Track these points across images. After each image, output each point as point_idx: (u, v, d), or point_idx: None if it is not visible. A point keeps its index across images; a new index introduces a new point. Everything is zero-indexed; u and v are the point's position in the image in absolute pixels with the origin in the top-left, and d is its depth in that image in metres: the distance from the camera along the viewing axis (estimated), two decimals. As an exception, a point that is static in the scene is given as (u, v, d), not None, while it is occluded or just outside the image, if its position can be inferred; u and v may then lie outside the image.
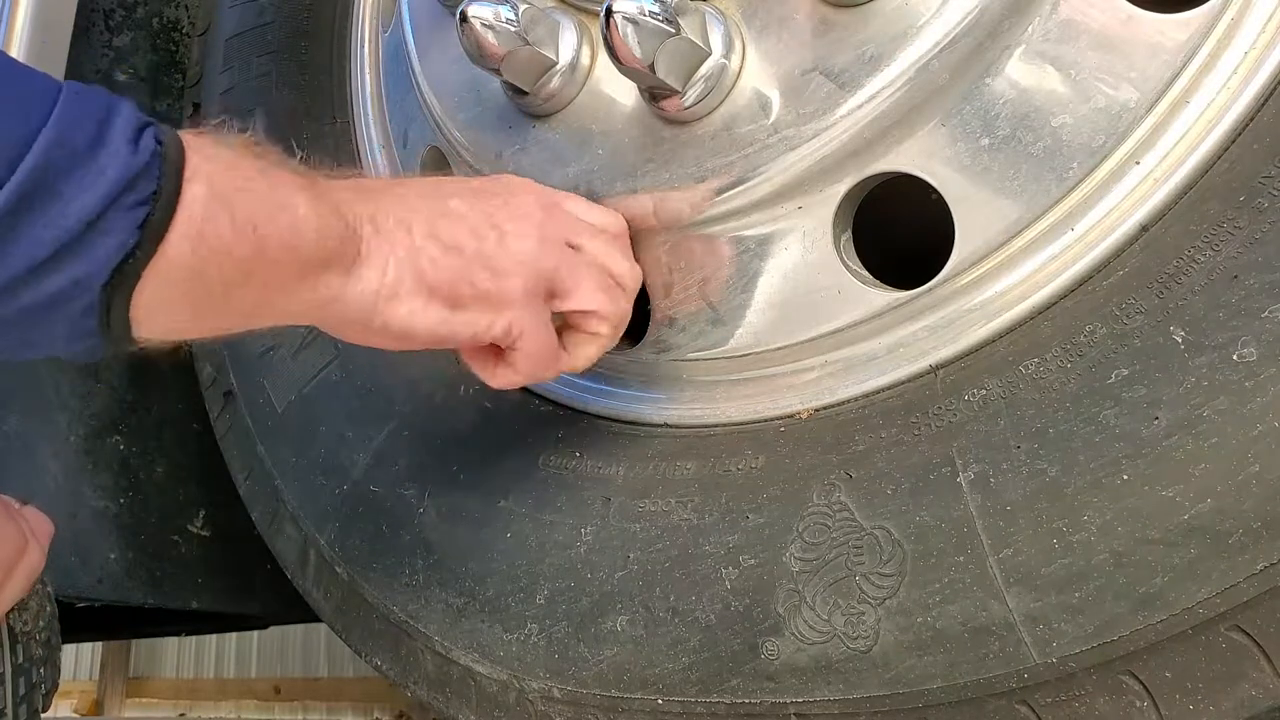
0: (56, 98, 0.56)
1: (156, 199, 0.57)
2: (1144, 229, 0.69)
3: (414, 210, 0.73)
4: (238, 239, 0.62)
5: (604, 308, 0.79)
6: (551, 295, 0.78)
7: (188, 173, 0.59)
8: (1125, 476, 0.63)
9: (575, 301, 0.78)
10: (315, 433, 1.09)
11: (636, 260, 0.86)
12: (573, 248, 0.78)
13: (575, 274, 0.78)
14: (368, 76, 1.21)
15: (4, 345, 0.59)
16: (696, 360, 0.88)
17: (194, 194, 0.59)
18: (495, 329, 0.75)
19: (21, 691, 0.85)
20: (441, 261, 0.72)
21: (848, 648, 0.69)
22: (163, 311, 0.61)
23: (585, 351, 0.82)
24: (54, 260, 0.55)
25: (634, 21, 0.75)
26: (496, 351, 0.79)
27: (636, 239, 0.86)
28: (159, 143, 0.58)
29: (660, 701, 0.77)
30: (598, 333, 0.81)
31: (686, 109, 0.81)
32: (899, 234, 0.90)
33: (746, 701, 0.73)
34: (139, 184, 0.57)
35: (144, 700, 3.44)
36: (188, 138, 0.61)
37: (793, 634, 0.72)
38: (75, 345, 0.60)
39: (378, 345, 0.75)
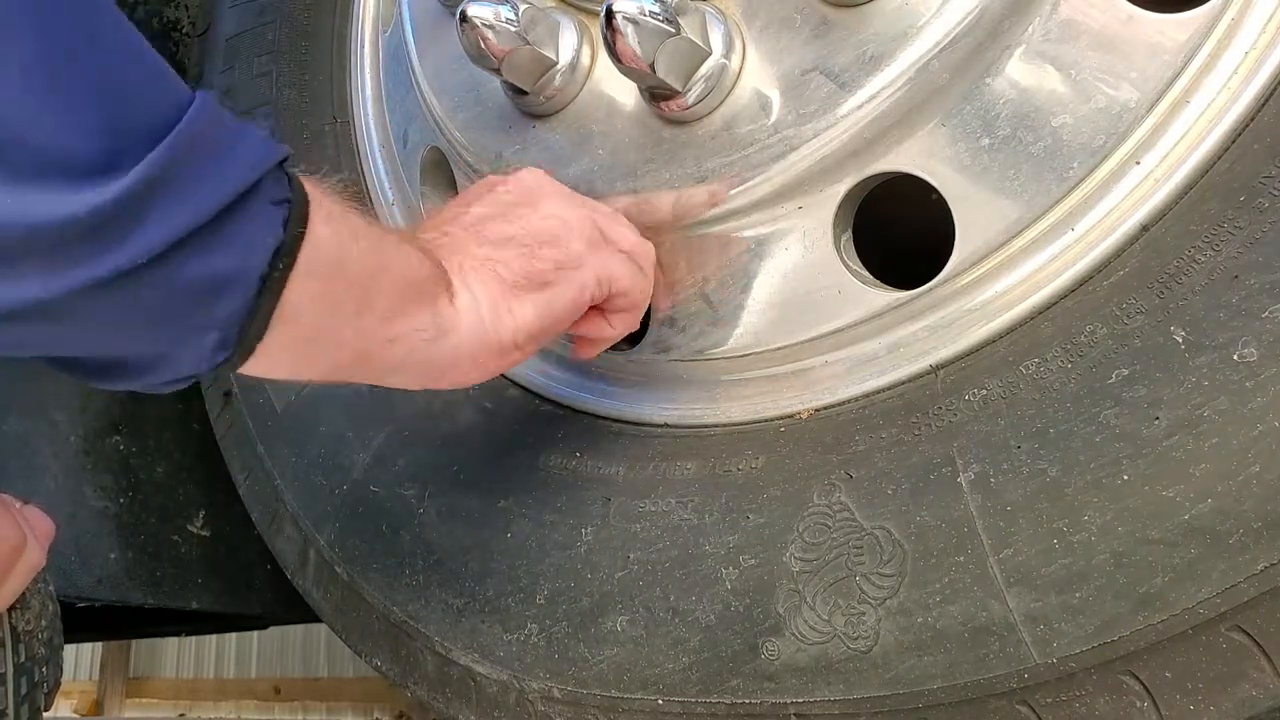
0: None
1: (291, 202, 0.59)
2: (1144, 229, 0.69)
3: (452, 234, 0.75)
4: (362, 254, 0.64)
5: (643, 249, 0.82)
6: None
7: (310, 194, 0.61)
8: (1125, 476, 0.63)
9: (624, 244, 0.80)
10: (315, 433, 1.09)
11: None
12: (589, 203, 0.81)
13: (613, 230, 0.80)
14: (368, 76, 1.21)
15: (134, 342, 0.57)
16: (696, 360, 0.88)
17: (320, 206, 0.61)
18: (589, 286, 0.77)
19: (24, 690, 0.85)
20: (505, 256, 0.74)
21: (848, 648, 0.69)
22: (296, 322, 0.61)
23: (625, 320, 0.84)
24: (204, 240, 0.54)
25: (634, 21, 0.75)
26: (598, 312, 0.82)
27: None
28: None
29: (660, 702, 0.77)
30: (637, 292, 0.82)
31: (687, 109, 0.81)
32: (899, 234, 0.90)
33: (746, 702, 0.73)
34: (271, 185, 0.58)
35: (144, 700, 3.44)
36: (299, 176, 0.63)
37: (793, 634, 0.72)
38: (201, 359, 0.59)
39: (502, 368, 0.77)
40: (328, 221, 0.61)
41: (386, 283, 0.66)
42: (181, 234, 0.53)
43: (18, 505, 0.82)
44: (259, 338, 0.59)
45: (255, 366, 0.62)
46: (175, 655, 3.44)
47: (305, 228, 0.59)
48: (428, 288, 0.70)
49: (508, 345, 0.74)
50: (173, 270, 0.54)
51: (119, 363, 0.59)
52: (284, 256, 0.58)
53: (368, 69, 1.21)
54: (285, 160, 0.60)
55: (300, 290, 0.59)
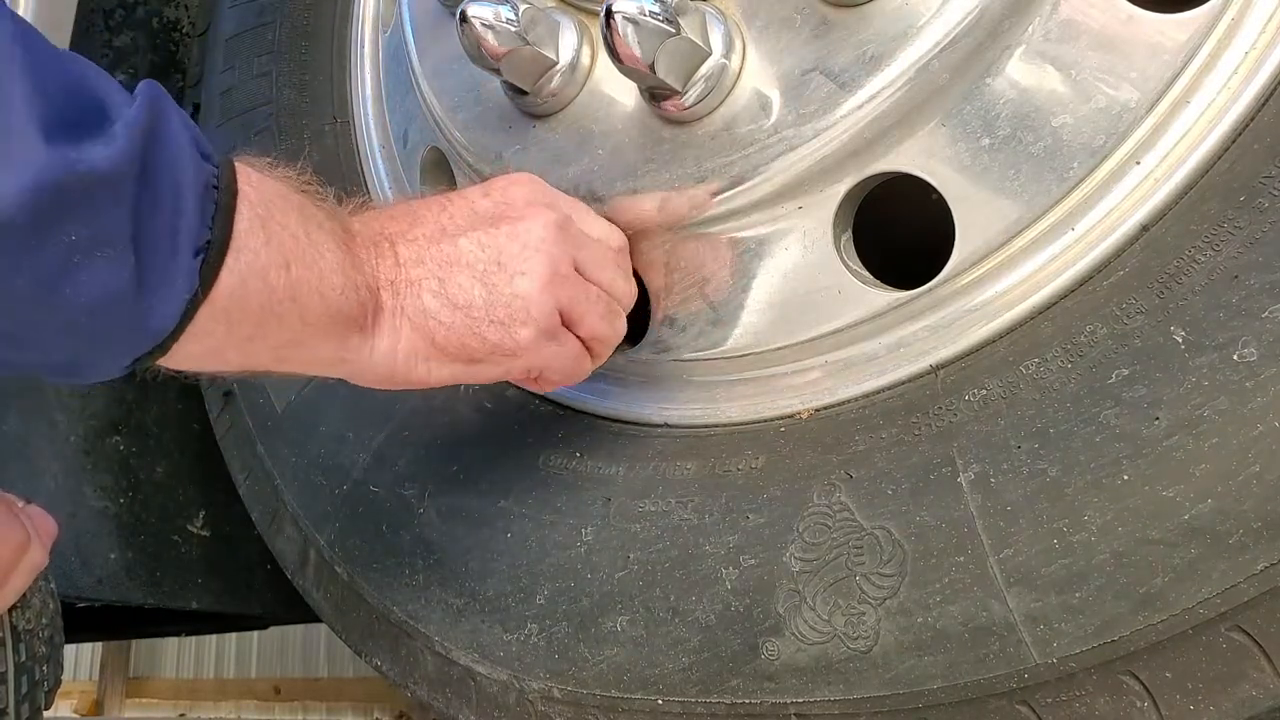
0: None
1: (210, 246, 0.60)
2: (1144, 229, 0.69)
3: (424, 263, 0.74)
4: (276, 270, 0.63)
5: (606, 334, 0.82)
6: (563, 321, 0.79)
7: (240, 194, 0.62)
8: (1126, 476, 0.63)
9: (582, 330, 0.80)
10: (315, 433, 1.09)
11: (636, 261, 0.87)
12: (579, 270, 0.79)
13: (582, 307, 0.79)
14: (368, 76, 1.21)
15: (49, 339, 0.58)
16: (696, 360, 0.88)
17: (244, 215, 0.62)
18: (514, 373, 0.79)
19: (24, 689, 0.85)
20: (450, 320, 0.74)
21: (848, 648, 0.69)
22: (206, 334, 0.62)
23: (548, 385, 0.85)
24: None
25: (634, 21, 0.75)
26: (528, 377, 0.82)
27: (637, 239, 0.86)
28: (215, 166, 0.61)
29: (660, 702, 0.77)
30: (598, 354, 0.83)
31: (687, 109, 0.81)
32: (899, 234, 0.90)
33: (747, 702, 0.73)
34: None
35: (144, 700, 3.44)
36: (240, 164, 0.63)
37: (793, 634, 0.72)
38: (120, 358, 0.60)
39: (398, 390, 0.78)
40: (251, 259, 0.62)
41: (293, 308, 0.65)
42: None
43: (20, 505, 0.82)
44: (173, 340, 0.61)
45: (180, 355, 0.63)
46: (175, 655, 3.44)
47: (215, 275, 0.60)
48: (341, 323, 0.69)
49: (413, 382, 0.76)
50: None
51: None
52: (194, 305, 0.59)
53: (368, 69, 1.21)
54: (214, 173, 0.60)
55: (205, 320, 0.61)
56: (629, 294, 0.84)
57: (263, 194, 0.64)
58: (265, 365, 0.69)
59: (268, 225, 0.63)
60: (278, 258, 0.63)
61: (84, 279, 0.54)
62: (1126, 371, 0.65)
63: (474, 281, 0.74)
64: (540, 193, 0.80)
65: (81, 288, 0.54)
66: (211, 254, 0.59)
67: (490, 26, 0.83)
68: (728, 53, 0.79)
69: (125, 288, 0.56)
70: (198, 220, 0.58)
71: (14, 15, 0.54)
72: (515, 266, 0.75)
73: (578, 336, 0.80)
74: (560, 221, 0.78)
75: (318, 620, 1.09)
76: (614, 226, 0.85)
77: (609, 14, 0.75)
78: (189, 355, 0.63)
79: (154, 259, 0.57)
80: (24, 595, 0.83)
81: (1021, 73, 0.73)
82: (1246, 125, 0.67)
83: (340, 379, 0.76)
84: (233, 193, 0.61)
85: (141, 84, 0.58)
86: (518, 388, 0.99)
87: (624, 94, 0.86)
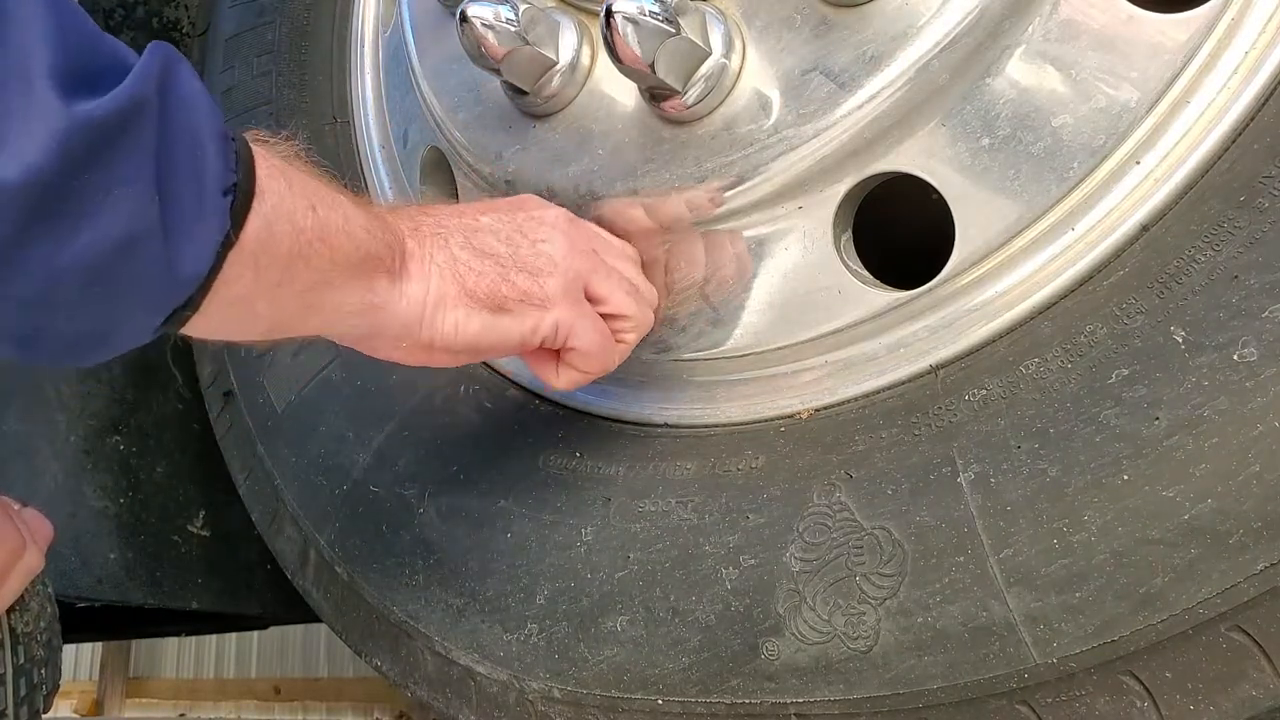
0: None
1: (237, 192, 0.59)
2: (1144, 229, 0.69)
3: (446, 226, 0.75)
4: (303, 212, 0.63)
5: (634, 312, 0.81)
6: (588, 297, 0.79)
7: (258, 158, 0.62)
8: (1126, 476, 0.63)
9: (609, 306, 0.79)
10: (315, 433, 1.09)
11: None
12: (599, 256, 0.80)
13: (608, 280, 0.79)
14: (368, 76, 1.21)
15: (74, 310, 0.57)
16: (696, 360, 0.88)
17: (263, 161, 0.61)
18: (543, 328, 0.76)
19: (23, 692, 0.85)
20: (480, 267, 0.74)
21: (848, 648, 0.69)
22: (236, 280, 0.61)
23: (571, 378, 0.83)
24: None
25: (634, 21, 0.75)
26: (554, 355, 0.81)
27: (637, 239, 0.86)
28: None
29: (660, 702, 0.77)
30: (624, 339, 0.82)
31: (687, 109, 0.81)
32: (899, 234, 0.90)
33: (747, 702, 0.73)
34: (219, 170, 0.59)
35: (144, 700, 3.44)
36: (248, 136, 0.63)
37: (793, 634, 0.72)
38: (151, 315, 0.59)
39: (426, 362, 0.76)
40: (277, 201, 0.62)
41: (321, 250, 0.65)
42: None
43: (16, 508, 0.82)
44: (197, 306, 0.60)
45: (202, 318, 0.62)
46: (175, 655, 3.44)
47: (245, 217, 0.59)
48: (370, 263, 0.69)
49: (438, 346, 0.74)
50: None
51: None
52: (225, 248, 0.59)
53: (368, 69, 1.21)
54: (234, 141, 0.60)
55: (234, 266, 0.60)
56: (648, 289, 0.84)
57: (274, 149, 0.65)
58: (292, 316, 0.67)
59: (286, 173, 0.63)
60: (303, 201, 0.64)
61: (107, 221, 0.53)
62: (1126, 371, 0.65)
63: (498, 242, 0.76)
64: (573, 223, 0.81)
65: (106, 229, 0.53)
66: (239, 196, 0.59)
67: (490, 26, 0.83)
68: (728, 52, 0.79)
69: (152, 228, 0.55)
70: (221, 163, 0.58)
71: None
72: (536, 235, 0.77)
73: (604, 316, 0.80)
74: (574, 217, 0.81)
75: (318, 620, 1.09)
76: (626, 243, 0.85)
77: (609, 14, 0.75)
78: (217, 311, 0.61)
79: (180, 201, 0.56)
80: (22, 598, 0.83)
81: (1021, 73, 0.73)
82: (1246, 125, 0.67)
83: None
84: (247, 142, 0.62)
85: (151, 44, 0.58)
86: (518, 388, 0.99)
87: (624, 94, 0.86)
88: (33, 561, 0.81)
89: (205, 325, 0.63)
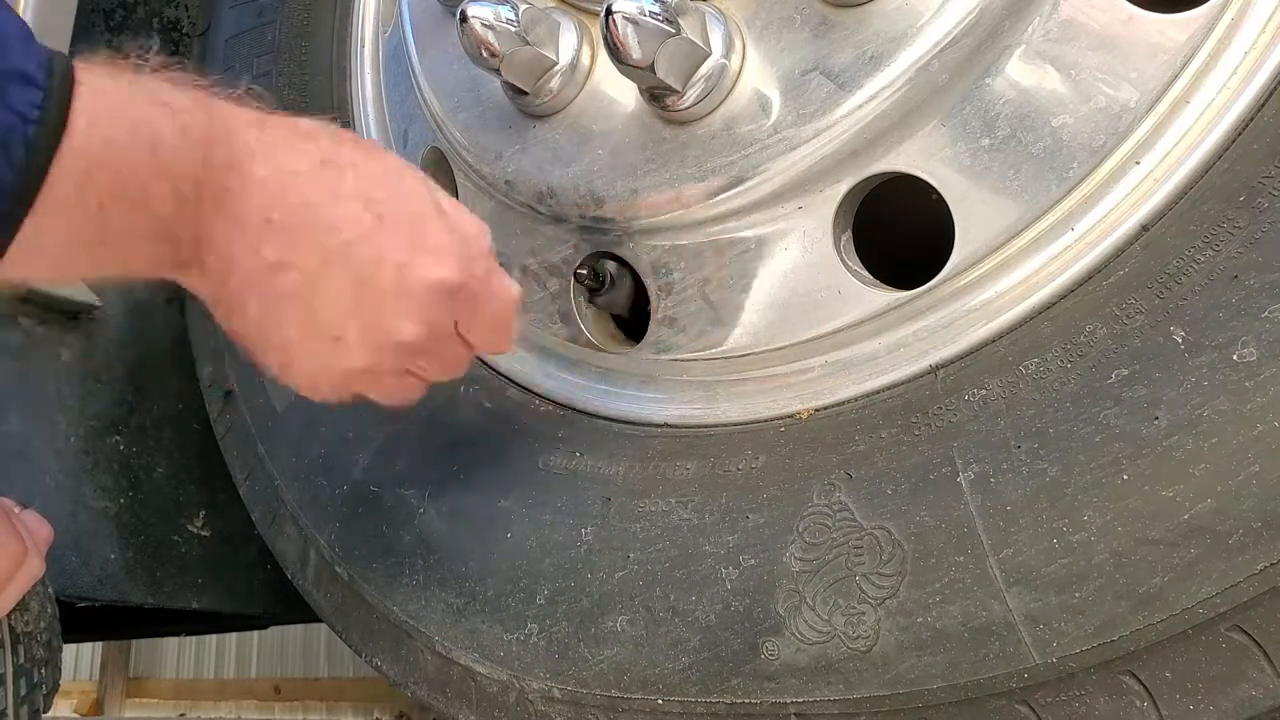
0: None
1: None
2: (1144, 229, 0.69)
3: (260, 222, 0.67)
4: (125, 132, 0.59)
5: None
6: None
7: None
8: (1125, 476, 0.63)
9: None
10: (315, 433, 1.09)
11: (637, 260, 0.86)
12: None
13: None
14: (368, 76, 1.21)
15: None
16: (696, 360, 0.88)
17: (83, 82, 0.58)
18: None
19: (23, 692, 0.85)
20: (278, 301, 0.68)
21: (848, 648, 0.69)
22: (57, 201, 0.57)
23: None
24: None
25: (634, 21, 0.75)
26: None
27: (635, 239, 0.86)
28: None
29: (660, 701, 0.77)
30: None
31: (687, 109, 0.81)
32: (899, 234, 0.90)
33: (746, 701, 0.73)
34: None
35: (144, 700, 3.44)
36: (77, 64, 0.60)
37: (793, 634, 0.72)
38: None
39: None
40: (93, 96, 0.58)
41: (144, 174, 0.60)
42: None
43: (16, 511, 0.82)
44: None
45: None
46: (175, 655, 3.44)
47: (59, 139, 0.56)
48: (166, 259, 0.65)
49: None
50: None
51: None
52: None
53: (368, 69, 1.21)
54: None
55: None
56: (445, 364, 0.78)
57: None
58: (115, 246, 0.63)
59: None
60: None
61: None
62: (1126, 371, 0.65)
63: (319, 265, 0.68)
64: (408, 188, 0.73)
65: None
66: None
67: (490, 27, 0.83)
68: (728, 53, 0.79)
69: None
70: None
71: None
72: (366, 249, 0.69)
73: None
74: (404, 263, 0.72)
75: (318, 620, 1.09)
76: (480, 222, 0.78)
77: (609, 14, 0.75)
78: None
79: None
80: (22, 599, 0.83)
81: (1021, 73, 0.73)
82: (1246, 125, 0.67)
83: None
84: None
85: None
86: (518, 388, 0.99)
87: (624, 94, 0.86)
88: (34, 567, 0.81)
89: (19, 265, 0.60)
